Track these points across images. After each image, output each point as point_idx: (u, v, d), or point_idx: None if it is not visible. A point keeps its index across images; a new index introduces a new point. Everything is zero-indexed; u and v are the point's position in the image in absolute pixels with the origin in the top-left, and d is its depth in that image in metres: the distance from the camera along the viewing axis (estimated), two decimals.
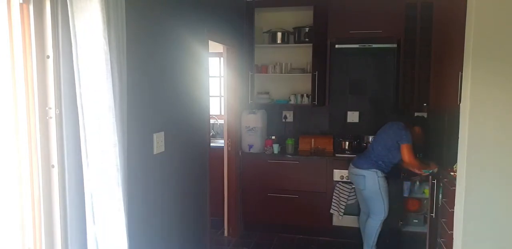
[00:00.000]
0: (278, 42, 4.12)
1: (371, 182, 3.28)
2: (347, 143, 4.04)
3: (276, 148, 3.95)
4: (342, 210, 3.68)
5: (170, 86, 2.36)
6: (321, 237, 3.87)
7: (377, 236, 3.37)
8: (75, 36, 1.44)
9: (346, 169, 3.71)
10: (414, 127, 3.35)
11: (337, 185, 3.72)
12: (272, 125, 4.31)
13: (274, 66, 4.18)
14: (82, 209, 1.57)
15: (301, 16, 4.11)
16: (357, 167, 3.35)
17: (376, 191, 3.28)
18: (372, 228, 3.36)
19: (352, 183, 3.68)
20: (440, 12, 3.58)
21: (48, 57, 1.45)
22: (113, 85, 1.53)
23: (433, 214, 3.17)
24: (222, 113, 4.60)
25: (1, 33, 1.38)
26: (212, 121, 4.56)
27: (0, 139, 1.40)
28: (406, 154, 3.18)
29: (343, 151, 3.99)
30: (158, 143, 2.18)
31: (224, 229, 3.96)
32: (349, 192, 3.68)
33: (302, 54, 4.12)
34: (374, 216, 3.35)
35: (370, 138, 4.03)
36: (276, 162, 3.87)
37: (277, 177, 3.87)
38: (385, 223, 3.63)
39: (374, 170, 3.28)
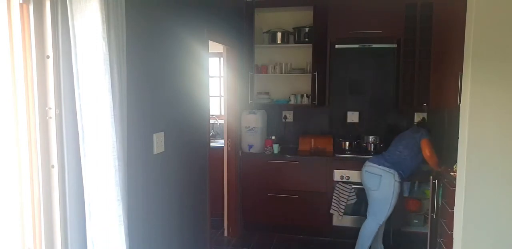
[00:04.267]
0: (278, 42, 4.12)
1: (387, 185, 3.18)
2: (347, 143, 4.04)
3: (276, 148, 3.95)
4: (342, 210, 3.68)
5: (170, 86, 2.36)
6: (321, 237, 3.87)
7: (371, 241, 3.29)
8: (74, 36, 1.44)
9: (346, 169, 3.72)
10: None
11: (337, 185, 3.71)
12: (272, 125, 4.31)
13: (274, 66, 4.18)
14: (82, 209, 1.57)
15: (301, 16, 4.11)
16: (376, 164, 3.25)
17: (389, 195, 3.19)
18: (369, 231, 3.27)
19: (352, 183, 3.68)
20: (440, 12, 3.58)
21: (48, 57, 1.45)
22: (113, 86, 1.53)
23: (434, 214, 3.17)
24: (222, 113, 4.60)
25: (1, 33, 1.38)
26: (212, 121, 4.56)
27: (0, 139, 1.40)
28: (427, 148, 3.13)
29: (343, 151, 3.98)
30: (158, 143, 2.18)
31: (224, 229, 3.96)
32: (349, 192, 3.67)
33: (302, 54, 4.13)
34: (373, 218, 3.28)
35: (370, 138, 4.04)
36: (276, 162, 3.87)
37: (277, 177, 3.87)
38: (388, 223, 3.64)
39: (393, 171, 3.18)
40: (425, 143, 3.15)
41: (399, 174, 3.20)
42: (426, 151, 3.14)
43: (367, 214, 3.34)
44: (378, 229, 3.30)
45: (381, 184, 3.19)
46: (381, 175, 3.20)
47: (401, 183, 3.26)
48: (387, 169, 3.19)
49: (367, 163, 3.33)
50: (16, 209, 1.44)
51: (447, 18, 3.44)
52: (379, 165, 3.23)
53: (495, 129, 1.86)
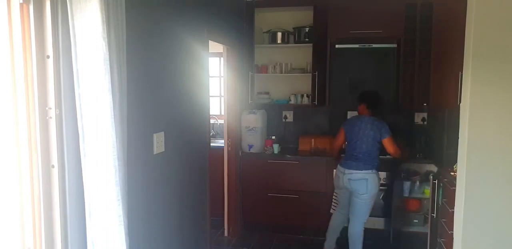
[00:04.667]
0: (278, 42, 4.12)
1: (374, 184, 3.16)
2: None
3: (276, 148, 3.95)
4: None
5: (170, 86, 2.36)
6: (321, 237, 3.86)
7: (362, 240, 3.27)
8: (74, 36, 1.44)
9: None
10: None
11: None
12: (272, 125, 4.31)
13: (274, 66, 4.18)
14: (82, 209, 1.57)
15: (301, 16, 4.11)
16: (357, 169, 3.16)
17: (375, 194, 3.20)
18: (358, 233, 3.25)
19: None
20: (440, 12, 3.58)
21: (48, 57, 1.45)
22: (113, 85, 1.53)
23: (434, 214, 3.17)
24: (222, 113, 4.60)
25: (1, 33, 1.38)
26: (212, 121, 4.55)
27: (0, 139, 1.40)
28: (391, 147, 3.12)
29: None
30: (158, 143, 2.18)
31: (224, 229, 3.96)
32: None
33: (302, 54, 4.13)
34: (359, 220, 3.24)
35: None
36: (276, 162, 3.87)
37: (277, 177, 3.87)
38: (388, 223, 3.64)
39: (375, 171, 3.17)
40: (388, 142, 3.11)
41: (378, 169, 3.22)
42: (390, 150, 3.13)
43: (351, 217, 3.29)
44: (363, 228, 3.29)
45: (369, 186, 3.15)
46: (367, 179, 3.15)
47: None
48: (370, 171, 3.15)
49: (347, 171, 3.20)
50: (16, 209, 1.44)
51: (447, 18, 3.44)
52: (362, 170, 3.16)
53: (495, 129, 1.86)
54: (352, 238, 3.28)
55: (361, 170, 3.16)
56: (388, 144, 3.12)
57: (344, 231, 3.40)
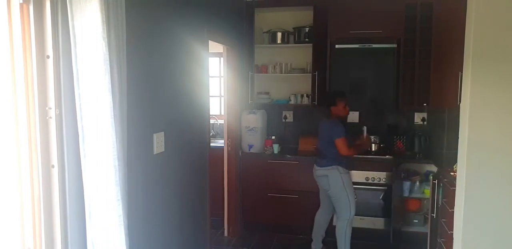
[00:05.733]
0: (278, 42, 4.12)
1: (335, 180, 3.21)
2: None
3: (276, 148, 3.95)
4: None
5: (170, 86, 2.36)
6: None
7: (348, 239, 3.27)
8: (74, 36, 1.44)
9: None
10: (337, 105, 3.27)
11: None
12: (272, 125, 4.31)
13: (274, 66, 4.18)
14: (82, 209, 1.57)
15: (301, 16, 4.10)
16: (318, 166, 3.31)
17: (341, 189, 3.21)
18: (340, 230, 3.27)
19: (352, 183, 3.68)
20: (440, 12, 3.58)
21: (48, 57, 1.45)
22: (113, 86, 1.53)
23: (434, 214, 3.17)
24: (222, 113, 4.60)
25: (1, 33, 1.38)
26: (212, 121, 4.55)
27: (0, 139, 1.40)
28: (341, 148, 3.14)
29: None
30: (158, 143, 2.18)
31: (224, 229, 3.96)
32: None
33: (302, 54, 4.12)
34: (340, 217, 3.29)
35: (370, 138, 4.03)
36: (276, 162, 3.87)
37: (277, 177, 3.87)
38: (388, 223, 3.63)
39: (335, 166, 3.21)
40: (339, 143, 3.14)
41: (341, 165, 3.22)
42: (341, 151, 3.15)
43: (337, 215, 3.35)
44: (347, 225, 3.26)
45: (330, 182, 3.22)
46: (327, 175, 3.23)
47: (349, 173, 3.28)
48: (329, 167, 3.22)
49: (315, 167, 3.37)
50: (16, 209, 1.44)
51: (447, 18, 3.44)
52: (321, 166, 3.27)
53: (495, 129, 1.86)
54: (336, 235, 3.31)
55: (323, 166, 3.27)
56: (337, 145, 3.16)
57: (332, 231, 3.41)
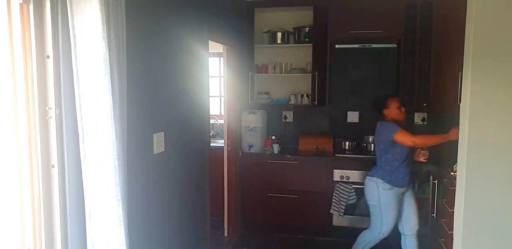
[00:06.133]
0: (278, 42, 4.12)
1: (370, 194, 2.97)
2: (347, 143, 4.04)
3: (276, 148, 3.95)
4: (342, 210, 3.68)
5: (170, 86, 2.36)
6: (321, 237, 3.87)
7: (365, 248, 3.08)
8: (74, 36, 1.44)
9: (346, 169, 3.72)
10: (389, 107, 2.96)
11: (337, 185, 3.71)
12: (272, 125, 4.31)
13: (274, 66, 4.18)
14: (82, 209, 1.57)
15: (301, 16, 4.10)
16: (367, 174, 3.07)
17: (375, 204, 2.94)
18: (363, 239, 3.09)
19: (352, 183, 3.69)
20: (440, 12, 3.58)
21: (48, 57, 1.45)
22: (113, 86, 1.53)
23: (434, 214, 3.17)
24: (222, 113, 4.60)
25: (1, 33, 1.38)
26: (212, 121, 4.56)
27: (0, 139, 1.40)
28: (404, 138, 2.78)
29: (343, 151, 3.99)
30: (158, 143, 2.18)
31: (224, 229, 3.96)
32: (349, 192, 3.67)
33: (302, 54, 4.13)
34: (370, 229, 3.08)
35: (370, 138, 4.04)
36: (276, 162, 3.87)
37: (277, 177, 3.87)
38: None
39: (375, 179, 2.94)
40: (398, 137, 2.80)
41: (383, 179, 2.90)
42: (406, 142, 2.79)
43: (370, 224, 3.14)
44: (372, 239, 3.04)
45: (367, 194, 3.00)
46: (366, 185, 3.03)
47: (392, 191, 2.90)
48: (369, 177, 3.00)
49: None
50: (16, 209, 1.44)
51: (447, 18, 3.44)
52: (367, 175, 3.07)
53: (495, 129, 1.86)
54: (358, 238, 3.13)
55: (367, 175, 3.06)
56: (399, 140, 2.81)
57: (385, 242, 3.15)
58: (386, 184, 2.90)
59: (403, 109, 2.97)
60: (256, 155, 3.96)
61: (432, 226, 3.22)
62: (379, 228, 2.97)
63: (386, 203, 2.91)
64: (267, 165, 3.89)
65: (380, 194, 2.90)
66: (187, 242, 2.70)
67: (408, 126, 3.19)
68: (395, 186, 2.91)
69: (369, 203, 3.03)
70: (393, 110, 2.95)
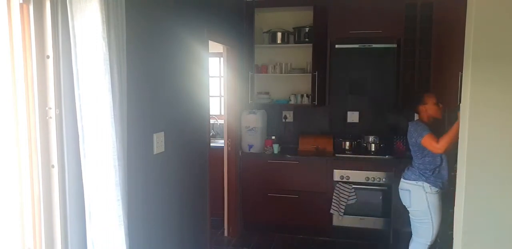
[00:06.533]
0: (278, 42, 4.12)
1: (417, 199, 2.78)
2: (347, 143, 4.04)
3: (276, 148, 3.95)
4: (342, 210, 3.68)
5: (170, 86, 2.36)
6: (321, 237, 3.87)
7: None
8: (74, 36, 1.44)
9: (346, 169, 3.72)
10: (427, 102, 2.88)
11: (337, 185, 3.71)
12: (272, 125, 4.31)
13: (274, 66, 4.18)
14: (82, 209, 1.57)
15: (301, 16, 4.10)
16: (403, 178, 2.89)
17: (425, 210, 2.76)
18: None
19: (352, 183, 3.69)
20: (440, 12, 3.58)
21: (48, 57, 1.45)
22: (113, 86, 1.53)
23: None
24: (222, 113, 4.60)
25: (1, 33, 1.38)
26: (212, 121, 4.56)
27: (0, 139, 1.40)
28: (430, 146, 2.68)
29: (343, 151, 3.98)
30: (158, 143, 2.18)
31: (224, 229, 3.96)
32: (349, 192, 3.68)
33: (302, 54, 4.13)
34: (417, 239, 2.86)
35: (371, 138, 4.04)
36: (276, 162, 3.87)
37: (277, 177, 3.87)
38: (388, 223, 3.63)
39: (420, 183, 2.77)
40: (425, 142, 2.71)
41: (430, 183, 2.76)
42: (433, 149, 2.68)
43: (413, 234, 2.93)
44: None
45: (412, 200, 2.82)
46: (409, 190, 2.83)
47: (440, 194, 2.79)
48: (413, 182, 2.81)
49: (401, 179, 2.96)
50: (16, 209, 1.44)
51: (447, 18, 3.44)
52: (406, 179, 2.87)
53: (495, 129, 1.86)
54: None
55: (407, 179, 2.86)
56: (425, 145, 2.73)
57: None
58: (433, 187, 2.76)
59: (441, 106, 2.88)
60: (256, 155, 3.95)
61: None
62: (430, 235, 2.79)
63: (435, 207, 2.78)
64: (267, 165, 3.89)
65: (428, 198, 2.76)
66: (187, 242, 2.70)
67: (443, 125, 3.15)
68: (441, 188, 2.80)
69: (414, 209, 2.83)
70: (430, 106, 2.87)
